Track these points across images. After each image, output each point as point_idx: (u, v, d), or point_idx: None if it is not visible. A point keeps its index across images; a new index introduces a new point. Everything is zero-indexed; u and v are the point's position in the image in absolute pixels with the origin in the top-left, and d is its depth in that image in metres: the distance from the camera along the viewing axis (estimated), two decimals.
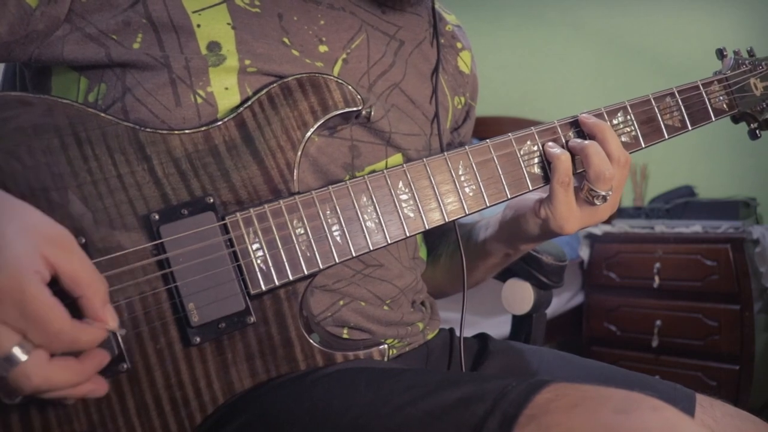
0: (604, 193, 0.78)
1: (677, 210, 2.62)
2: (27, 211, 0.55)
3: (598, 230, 2.70)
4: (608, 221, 2.77)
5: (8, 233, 0.52)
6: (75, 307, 0.55)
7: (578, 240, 2.69)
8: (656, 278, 2.50)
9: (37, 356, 0.52)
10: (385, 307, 0.83)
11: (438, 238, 1.03)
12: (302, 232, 0.69)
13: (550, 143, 0.80)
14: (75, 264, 0.54)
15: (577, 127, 0.81)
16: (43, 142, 0.62)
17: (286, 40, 0.76)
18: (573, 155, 0.79)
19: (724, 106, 0.92)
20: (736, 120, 0.97)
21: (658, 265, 2.51)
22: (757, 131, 0.97)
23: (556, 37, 3.27)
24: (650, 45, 2.99)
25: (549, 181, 0.80)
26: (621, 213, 2.75)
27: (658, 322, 2.50)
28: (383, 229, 0.72)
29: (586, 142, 0.79)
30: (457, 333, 0.93)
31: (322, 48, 0.79)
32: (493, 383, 0.58)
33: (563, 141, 0.80)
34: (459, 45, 0.99)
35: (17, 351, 0.51)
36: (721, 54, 0.96)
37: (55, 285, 0.54)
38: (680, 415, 0.51)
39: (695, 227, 2.53)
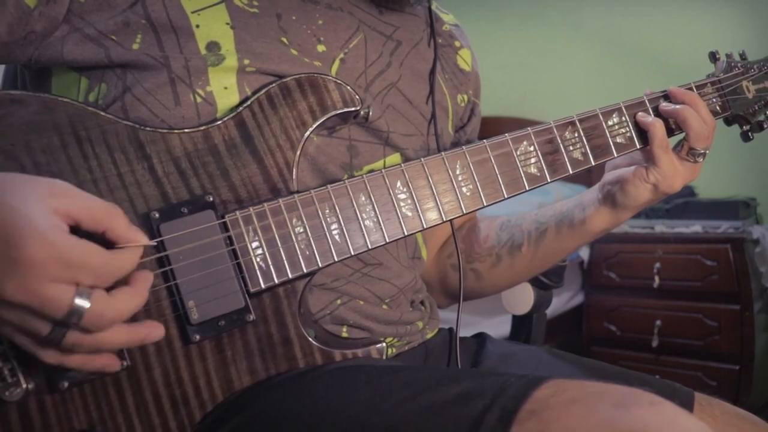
0: (703, 151, 0.87)
1: (677, 210, 2.62)
2: (16, 177, 0.56)
3: None
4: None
5: (13, 203, 0.52)
6: (106, 245, 0.56)
7: None
8: (656, 278, 2.50)
9: (97, 295, 0.54)
10: (384, 306, 0.84)
11: (498, 232, 1.01)
12: (301, 230, 0.69)
13: (640, 113, 0.86)
14: (84, 203, 0.55)
15: (575, 126, 0.82)
16: (42, 140, 0.63)
17: (284, 39, 0.76)
18: (665, 119, 0.86)
19: (718, 108, 0.94)
20: (728, 122, 0.98)
21: (658, 265, 2.51)
22: (750, 133, 0.98)
23: (556, 37, 3.27)
24: (650, 45, 2.99)
25: (548, 181, 0.81)
26: None
27: (658, 322, 2.50)
28: (381, 228, 0.72)
29: (679, 106, 0.86)
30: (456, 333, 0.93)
31: (320, 47, 0.79)
32: (492, 379, 0.58)
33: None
34: (457, 44, 1.00)
35: (79, 300, 0.53)
36: (713, 57, 0.97)
37: (77, 232, 0.55)
38: (679, 410, 0.51)
39: (695, 227, 2.53)
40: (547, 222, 0.98)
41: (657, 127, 0.85)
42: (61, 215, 0.54)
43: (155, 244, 0.64)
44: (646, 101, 0.88)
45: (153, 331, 0.60)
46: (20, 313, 0.53)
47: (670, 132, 0.88)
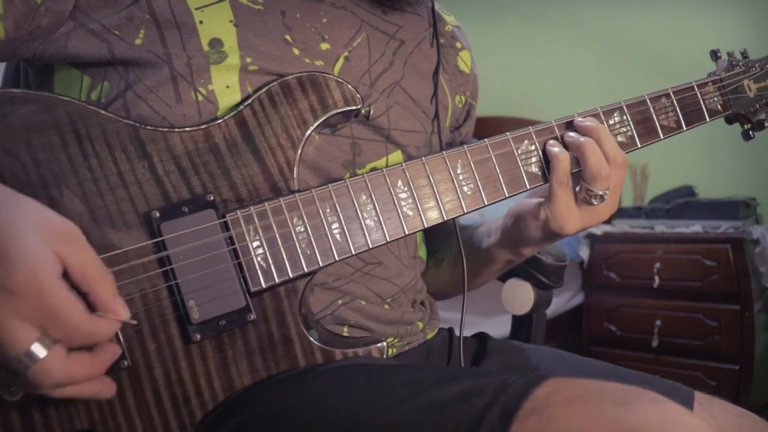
0: (601, 193, 0.79)
1: (677, 210, 2.62)
2: (34, 206, 0.55)
3: (598, 230, 2.70)
4: (608, 221, 2.77)
5: (18, 228, 0.52)
6: (86, 303, 0.55)
7: (578, 240, 2.70)
8: (656, 278, 2.51)
9: (57, 351, 0.52)
10: (386, 306, 0.84)
11: (439, 242, 1.03)
12: (302, 229, 0.69)
13: (551, 141, 0.80)
14: (84, 259, 0.54)
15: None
16: (43, 139, 0.63)
17: (288, 37, 0.76)
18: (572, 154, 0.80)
19: (719, 107, 0.93)
20: (729, 121, 0.98)
21: (658, 265, 2.51)
22: (751, 132, 0.98)
23: (556, 37, 3.28)
24: (650, 45, 2.99)
25: (546, 181, 0.80)
26: (621, 213, 2.75)
27: (658, 322, 2.50)
28: (382, 228, 0.72)
29: (582, 139, 0.79)
30: (457, 333, 0.93)
31: (324, 45, 0.79)
32: (492, 377, 0.58)
33: (560, 139, 0.81)
34: (458, 45, 1.00)
35: (37, 347, 0.51)
36: (715, 55, 0.97)
37: (66, 280, 0.54)
38: (679, 408, 0.51)
39: (695, 227, 2.53)
40: (466, 242, 0.97)
41: (560, 159, 0.77)
42: (58, 259, 0.53)
43: (135, 323, 0.62)
44: (554, 127, 0.81)
45: (104, 390, 0.58)
46: None
47: (576, 167, 0.80)
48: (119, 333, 0.62)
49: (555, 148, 0.79)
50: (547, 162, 0.80)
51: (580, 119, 0.81)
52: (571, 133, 0.80)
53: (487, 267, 0.96)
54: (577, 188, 0.80)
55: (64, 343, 0.53)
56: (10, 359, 0.51)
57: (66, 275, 0.54)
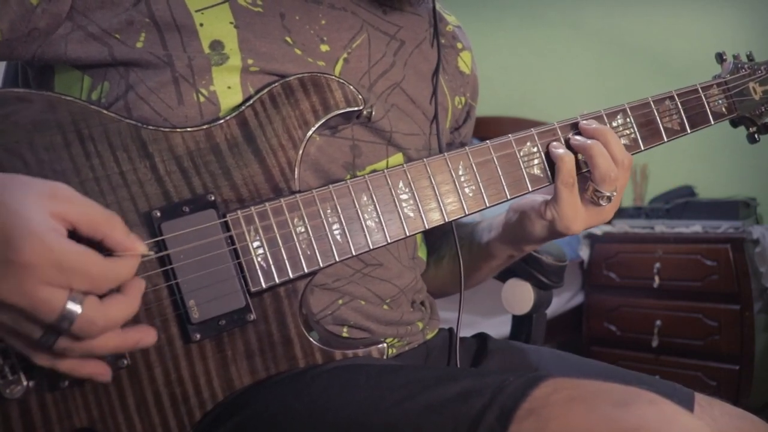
0: (609, 194, 0.80)
1: (677, 210, 2.62)
2: (17, 179, 0.56)
3: (598, 230, 2.70)
4: (608, 221, 2.76)
5: (11, 205, 0.52)
6: (104, 252, 0.56)
7: (578, 240, 2.69)
8: (656, 278, 2.50)
9: (90, 302, 0.54)
10: (385, 307, 0.84)
11: (439, 239, 1.04)
12: (303, 230, 0.69)
13: (554, 143, 0.80)
14: (83, 209, 0.55)
15: (577, 128, 0.82)
16: (45, 138, 0.63)
17: (288, 39, 0.76)
18: (576, 156, 0.80)
19: (723, 109, 0.92)
20: (734, 124, 0.97)
21: (658, 265, 2.51)
22: (756, 135, 0.97)
23: (556, 37, 3.27)
24: (650, 45, 2.99)
25: (548, 182, 0.80)
26: (621, 213, 2.75)
27: (658, 322, 2.50)
28: (383, 229, 0.72)
29: (589, 141, 0.79)
30: (456, 333, 0.93)
31: (324, 47, 0.79)
32: (491, 378, 0.58)
33: (564, 141, 0.81)
34: (459, 45, 1.00)
35: (71, 305, 0.52)
36: (720, 58, 0.96)
37: (76, 237, 0.55)
38: (678, 409, 0.51)
39: (695, 227, 2.53)
40: (467, 238, 0.98)
41: (565, 161, 0.78)
42: (60, 219, 0.53)
43: (153, 251, 0.64)
44: (557, 129, 0.81)
45: (146, 335, 0.59)
46: (13, 315, 0.53)
47: (581, 168, 0.81)
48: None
49: (559, 150, 0.79)
50: (549, 164, 0.80)
51: (584, 122, 0.81)
52: (578, 136, 0.81)
53: (488, 262, 0.96)
54: (585, 189, 0.80)
55: (94, 293, 0.54)
56: (53, 323, 0.52)
57: (74, 233, 0.55)
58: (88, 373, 0.58)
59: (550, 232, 0.83)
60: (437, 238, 1.04)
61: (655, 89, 0.89)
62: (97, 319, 0.54)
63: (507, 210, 0.89)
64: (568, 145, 0.80)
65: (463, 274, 0.90)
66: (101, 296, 0.55)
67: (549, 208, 0.81)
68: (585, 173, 0.81)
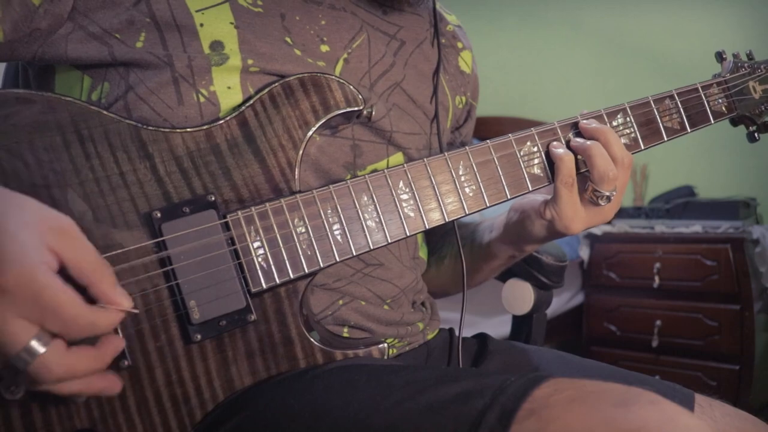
0: (608, 194, 0.79)
1: (677, 210, 2.62)
2: (26, 202, 0.55)
3: (598, 230, 2.70)
4: (608, 221, 2.76)
5: (10, 227, 0.51)
6: (88, 298, 0.54)
7: (578, 240, 2.70)
8: (656, 278, 2.50)
9: (55, 346, 0.52)
10: (386, 307, 0.84)
11: (440, 239, 1.04)
12: (303, 230, 0.69)
13: (554, 143, 0.80)
14: (80, 252, 0.54)
15: (577, 127, 0.82)
16: (45, 139, 0.63)
17: (288, 39, 0.76)
18: (576, 155, 0.80)
19: (723, 108, 0.92)
20: (734, 123, 0.97)
21: (658, 265, 2.51)
22: (756, 134, 0.97)
23: (556, 37, 3.28)
24: (650, 45, 2.99)
25: (549, 182, 0.80)
26: (621, 213, 2.75)
27: (658, 322, 2.50)
28: (383, 229, 0.72)
29: (589, 142, 0.79)
30: (457, 333, 0.93)
31: (324, 48, 0.79)
32: (492, 378, 0.58)
33: (564, 141, 0.81)
34: (460, 45, 1.00)
35: (35, 343, 0.51)
36: (720, 57, 0.96)
37: (64, 275, 0.53)
38: (678, 409, 0.51)
39: (695, 227, 2.53)
40: (468, 238, 0.98)
41: (564, 161, 0.78)
42: (54, 254, 0.52)
43: (137, 311, 0.62)
44: (557, 129, 0.81)
45: (110, 386, 0.58)
46: None
47: (580, 168, 0.81)
48: (119, 331, 0.62)
49: (559, 150, 0.79)
50: (550, 163, 0.80)
51: (584, 122, 0.81)
52: (578, 138, 0.81)
53: (489, 262, 0.96)
54: (585, 189, 0.80)
55: (64, 337, 0.53)
56: (10, 357, 0.51)
57: (64, 271, 0.53)
58: (96, 390, 0.57)
59: (550, 232, 0.83)
60: (438, 237, 1.04)
61: (654, 89, 0.89)
62: (55, 366, 0.52)
63: (508, 210, 0.89)
64: (569, 146, 0.80)
65: (472, 276, 0.90)
66: (75, 343, 0.53)
67: (549, 207, 0.81)
68: (584, 173, 0.81)
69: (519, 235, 0.88)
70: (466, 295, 0.91)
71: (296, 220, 0.69)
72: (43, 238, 0.52)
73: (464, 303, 0.91)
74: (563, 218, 0.80)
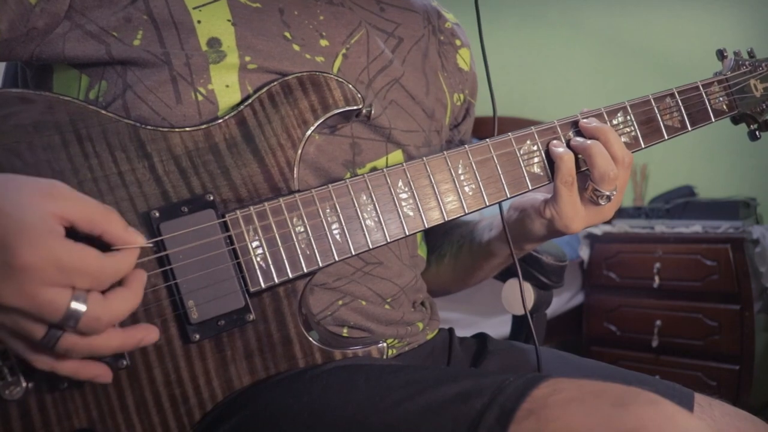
0: (608, 193, 0.79)
1: (677, 210, 2.62)
2: (11, 179, 0.55)
3: (598, 230, 2.70)
4: (608, 221, 2.77)
5: (5, 207, 0.52)
6: (103, 247, 0.56)
7: (578, 240, 2.70)
8: (656, 278, 2.51)
9: (93, 299, 0.54)
10: (386, 306, 0.83)
11: (440, 238, 1.04)
12: (302, 230, 0.69)
13: (554, 142, 0.80)
14: (80, 206, 0.55)
15: (577, 126, 0.82)
16: (43, 139, 0.63)
17: (287, 34, 0.76)
18: (576, 154, 0.80)
19: (724, 107, 0.92)
20: (735, 121, 0.97)
21: (658, 265, 2.51)
22: (757, 132, 0.97)
23: (556, 37, 3.28)
24: (650, 45, 2.99)
25: (549, 181, 0.80)
26: (621, 213, 2.75)
27: (658, 322, 2.50)
28: (383, 228, 0.72)
29: (589, 141, 0.79)
30: (457, 332, 0.93)
31: (323, 42, 0.79)
32: (491, 378, 0.58)
33: (564, 140, 0.81)
34: (458, 42, 1.00)
35: (75, 304, 0.53)
36: (721, 55, 0.96)
37: (73, 234, 0.55)
38: (677, 409, 0.51)
39: (695, 227, 2.53)
40: (468, 236, 0.98)
41: (564, 160, 0.78)
42: (57, 218, 0.53)
43: (151, 245, 0.64)
44: (557, 127, 0.81)
45: (148, 334, 0.60)
46: (14, 317, 0.53)
47: (580, 167, 0.80)
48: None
49: (559, 149, 0.79)
50: (550, 162, 0.80)
51: (585, 120, 0.81)
52: (578, 137, 0.80)
53: (489, 261, 0.96)
54: (585, 188, 0.80)
55: (96, 289, 0.55)
56: (59, 324, 0.53)
57: (72, 230, 0.55)
58: (88, 375, 0.58)
59: (550, 231, 0.83)
60: (438, 236, 1.04)
61: (655, 89, 0.89)
62: (102, 315, 0.54)
63: (508, 208, 0.89)
64: (569, 145, 0.80)
65: (464, 273, 0.90)
66: (104, 291, 0.55)
67: (548, 206, 0.81)
68: (584, 172, 0.81)
69: (519, 234, 0.87)
70: (464, 295, 0.91)
71: (295, 220, 0.69)
72: (42, 207, 0.53)
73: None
74: (563, 217, 0.80)
